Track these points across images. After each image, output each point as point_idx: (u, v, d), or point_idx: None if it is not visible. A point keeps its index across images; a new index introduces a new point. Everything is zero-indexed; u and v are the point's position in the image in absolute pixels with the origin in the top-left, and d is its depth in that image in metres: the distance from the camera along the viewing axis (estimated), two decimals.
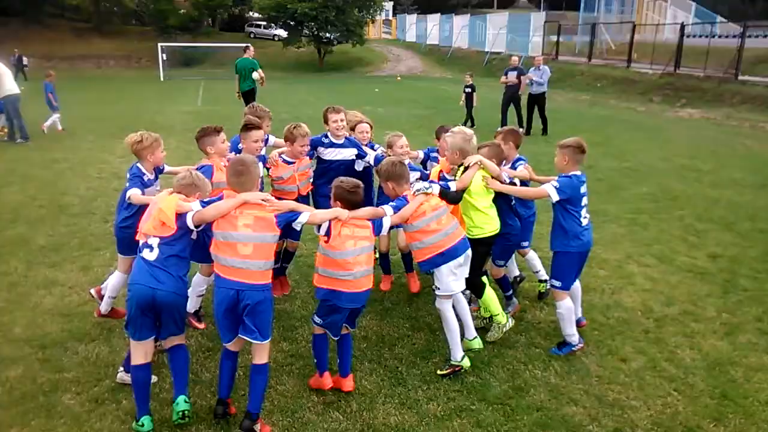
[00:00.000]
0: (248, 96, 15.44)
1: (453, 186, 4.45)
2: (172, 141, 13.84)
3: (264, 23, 49.14)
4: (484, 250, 4.72)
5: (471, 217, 4.63)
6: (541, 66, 15.72)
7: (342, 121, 5.58)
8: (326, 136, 5.62)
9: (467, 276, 4.39)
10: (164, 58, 34.96)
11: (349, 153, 5.64)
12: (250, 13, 53.17)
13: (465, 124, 16.12)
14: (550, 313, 5.23)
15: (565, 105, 22.56)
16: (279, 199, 4.01)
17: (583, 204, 4.55)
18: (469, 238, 4.41)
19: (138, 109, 19.91)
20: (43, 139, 13.96)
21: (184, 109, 20.49)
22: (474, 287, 4.77)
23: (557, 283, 4.58)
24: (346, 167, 5.54)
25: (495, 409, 3.98)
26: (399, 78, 36.03)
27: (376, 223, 3.97)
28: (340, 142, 5.62)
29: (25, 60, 36.58)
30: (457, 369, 4.30)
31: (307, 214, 3.78)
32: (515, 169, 5.08)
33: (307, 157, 5.53)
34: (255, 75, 15.17)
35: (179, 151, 12.55)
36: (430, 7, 57.28)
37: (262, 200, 3.63)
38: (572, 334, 4.63)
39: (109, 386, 4.19)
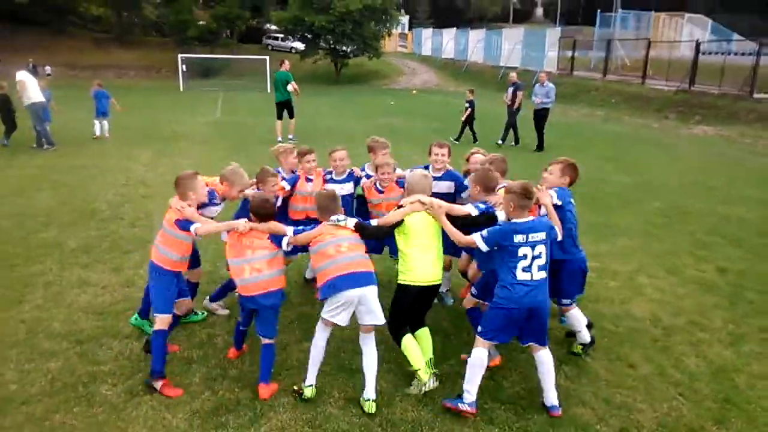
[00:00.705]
0: (283, 106, 16.14)
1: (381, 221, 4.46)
2: (194, 151, 14.24)
3: (281, 35, 49.85)
4: (409, 299, 4.41)
5: (399, 259, 4.50)
6: (546, 83, 15.85)
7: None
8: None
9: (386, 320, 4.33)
10: (184, 69, 35.61)
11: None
12: (268, 26, 53.98)
13: (458, 139, 16.32)
14: (558, 321, 5.43)
15: (579, 120, 22.75)
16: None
17: (520, 255, 4.02)
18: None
19: (159, 119, 20.38)
20: (71, 147, 14.40)
21: (204, 119, 20.94)
22: (392, 334, 4.53)
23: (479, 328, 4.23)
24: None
25: (507, 408, 4.20)
26: (414, 92, 36.39)
27: (277, 239, 4.30)
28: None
29: (48, 69, 37.51)
30: (299, 393, 4.26)
31: (206, 227, 4.45)
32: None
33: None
34: (289, 87, 15.90)
35: (200, 161, 12.92)
36: (445, 21, 57.84)
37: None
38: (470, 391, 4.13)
39: (143, 379, 4.46)
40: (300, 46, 44.13)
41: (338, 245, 4.21)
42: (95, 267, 6.71)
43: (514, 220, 4.10)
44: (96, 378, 4.48)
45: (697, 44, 25.29)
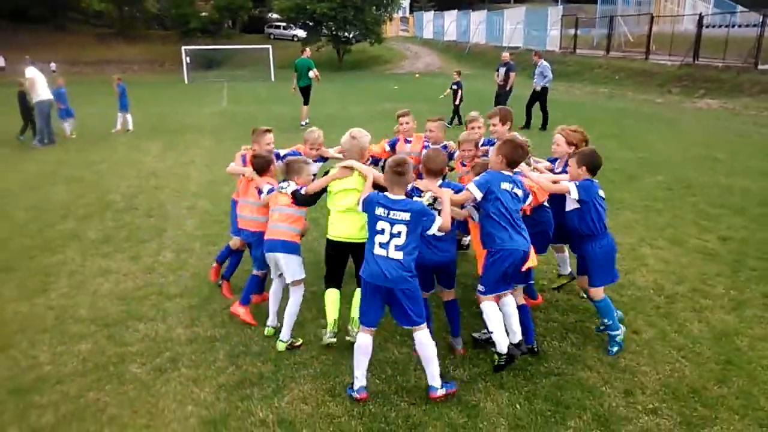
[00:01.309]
0: (305, 92, 16.98)
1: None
2: (202, 141, 14.45)
3: (283, 24, 49.85)
4: (338, 254, 4.82)
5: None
6: (541, 63, 15.96)
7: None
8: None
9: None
10: (188, 61, 35.76)
11: None
12: (270, 15, 53.93)
13: (451, 123, 16.39)
14: (565, 292, 5.61)
15: (583, 98, 22.75)
16: None
17: (378, 229, 4.07)
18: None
19: (166, 111, 20.60)
20: (82, 142, 14.66)
21: (210, 110, 21.13)
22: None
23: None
24: None
25: (516, 374, 4.40)
26: (417, 75, 36.38)
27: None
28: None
29: (53, 65, 37.74)
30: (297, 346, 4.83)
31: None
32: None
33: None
34: (311, 73, 16.68)
35: (210, 151, 13.13)
36: (447, 4, 57.48)
37: None
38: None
39: (170, 357, 4.70)
40: (302, 34, 44.16)
41: (273, 213, 4.91)
42: (115, 256, 6.95)
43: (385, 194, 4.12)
44: (125, 358, 4.72)
45: (700, 17, 25.16)
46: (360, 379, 4.14)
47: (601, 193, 4.68)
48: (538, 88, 15.85)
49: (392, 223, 3.98)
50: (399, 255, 3.97)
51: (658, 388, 4.24)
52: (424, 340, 4.07)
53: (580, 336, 4.95)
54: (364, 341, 4.11)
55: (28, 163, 12.20)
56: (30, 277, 6.38)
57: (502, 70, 16.27)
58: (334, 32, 41.52)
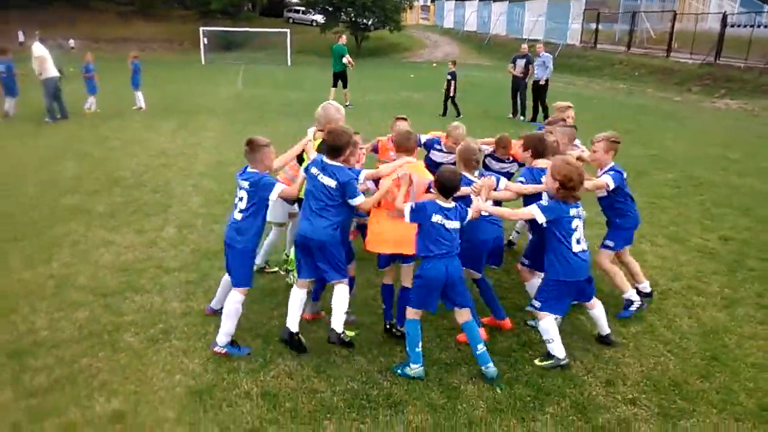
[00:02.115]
0: (338, 77, 17.83)
1: None
2: (213, 123, 14.56)
3: (302, 8, 49.78)
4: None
5: None
6: (543, 54, 15.85)
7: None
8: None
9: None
10: (205, 42, 35.87)
11: None
12: None
13: (445, 113, 16.33)
14: None
15: (602, 94, 22.54)
16: None
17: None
18: None
19: (181, 91, 20.74)
20: (96, 118, 14.84)
21: (226, 92, 21.23)
22: None
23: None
24: None
25: (500, 359, 4.45)
26: (435, 64, 36.20)
27: None
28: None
29: (72, 42, 38.06)
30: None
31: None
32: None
33: None
34: (344, 60, 17.44)
35: (221, 133, 13.24)
36: None
37: None
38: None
39: (164, 329, 4.82)
40: (321, 19, 44.06)
41: None
42: (119, 229, 7.08)
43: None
44: (120, 327, 4.84)
45: (724, 16, 24.77)
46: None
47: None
48: (542, 81, 15.72)
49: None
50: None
51: (639, 380, 4.27)
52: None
53: (569, 327, 4.97)
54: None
55: (41, 139, 12.39)
56: (35, 247, 6.52)
57: (521, 62, 16.17)
58: (353, 18, 41.38)
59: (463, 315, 4.28)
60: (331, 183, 4.29)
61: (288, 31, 38.07)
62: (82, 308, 5.13)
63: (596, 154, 5.21)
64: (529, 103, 16.26)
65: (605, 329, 4.70)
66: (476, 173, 4.74)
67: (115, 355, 4.45)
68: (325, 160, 4.38)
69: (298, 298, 4.45)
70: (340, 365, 4.39)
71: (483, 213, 4.42)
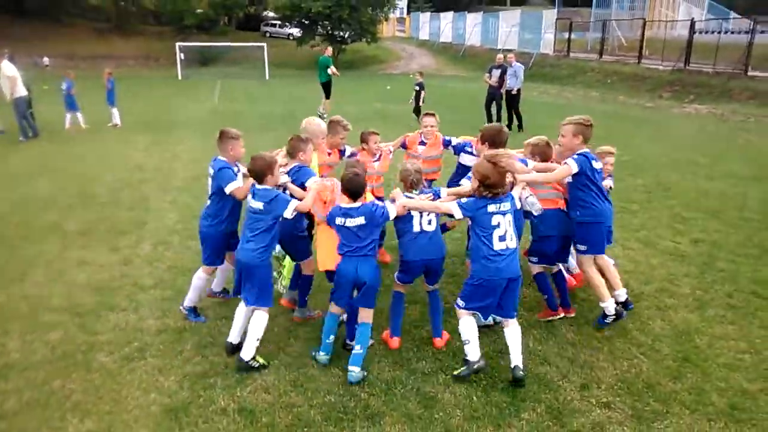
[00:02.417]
0: (325, 86, 18.93)
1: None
2: (189, 138, 14.49)
3: (279, 22, 49.83)
4: None
5: None
6: (514, 63, 16.06)
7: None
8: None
9: None
10: (182, 57, 35.71)
11: None
12: (266, 12, 53.92)
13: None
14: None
15: (575, 101, 22.86)
16: None
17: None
18: None
19: (157, 107, 20.61)
20: (71, 136, 14.67)
21: (202, 107, 21.14)
22: None
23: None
24: None
25: None
26: (412, 75, 36.43)
27: None
28: None
29: (46, 60, 37.67)
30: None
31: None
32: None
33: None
34: (329, 70, 18.61)
35: (197, 147, 13.18)
36: (444, 5, 57.57)
37: None
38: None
39: (139, 347, 4.78)
40: (297, 32, 44.14)
41: None
42: (94, 247, 7.01)
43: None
44: (94, 347, 4.79)
45: (692, 23, 25.33)
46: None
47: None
48: (515, 91, 15.92)
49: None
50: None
51: (613, 383, 4.34)
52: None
53: (543, 332, 5.04)
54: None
55: (15, 157, 12.22)
56: (8, 266, 6.43)
57: (496, 72, 16.34)
58: (329, 31, 41.52)
59: (362, 315, 4.49)
60: (259, 205, 4.45)
61: (265, 44, 38.07)
62: (55, 329, 5.06)
63: (564, 139, 4.96)
64: (505, 114, 16.44)
65: (515, 358, 4.29)
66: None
67: (88, 376, 4.40)
68: (256, 185, 4.54)
69: (241, 313, 4.68)
70: (317, 378, 4.39)
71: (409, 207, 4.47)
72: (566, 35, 32.82)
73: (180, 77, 34.52)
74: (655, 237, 7.43)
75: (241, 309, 4.66)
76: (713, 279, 6.20)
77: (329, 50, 20.10)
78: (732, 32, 27.25)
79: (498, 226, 4.21)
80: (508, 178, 4.35)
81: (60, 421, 3.87)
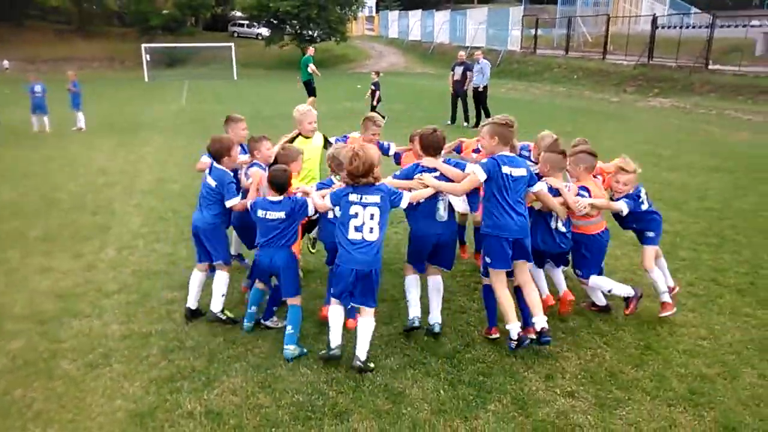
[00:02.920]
0: (307, 85, 19.86)
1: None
2: (156, 140, 14.31)
3: (247, 22, 49.45)
4: None
5: None
6: (481, 60, 16.27)
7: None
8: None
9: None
10: (148, 59, 35.22)
11: None
12: (233, 13, 53.45)
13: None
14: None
15: (542, 97, 23.19)
16: None
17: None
18: None
19: (123, 110, 20.30)
20: (34, 140, 14.37)
21: (169, 108, 20.88)
22: None
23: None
24: None
25: (444, 361, 4.53)
26: (382, 74, 36.47)
27: None
28: None
29: (6, 63, 36.79)
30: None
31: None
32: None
33: None
34: (309, 69, 19.57)
35: (164, 149, 13.02)
36: (412, 4, 57.77)
37: None
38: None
39: (103, 353, 4.69)
40: (266, 32, 43.87)
41: None
42: (57, 254, 6.87)
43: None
44: (56, 354, 4.69)
45: (654, 18, 25.89)
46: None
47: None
48: (481, 87, 16.10)
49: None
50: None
51: (577, 372, 4.42)
52: None
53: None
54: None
55: None
56: None
57: (459, 69, 16.50)
58: (298, 31, 41.37)
59: (290, 301, 4.72)
60: (212, 183, 4.97)
61: (232, 45, 37.78)
62: (16, 337, 4.94)
63: (482, 141, 4.68)
64: (472, 110, 16.59)
65: (359, 350, 4.35)
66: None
67: (51, 383, 4.31)
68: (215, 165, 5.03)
69: (196, 279, 5.24)
70: (285, 378, 4.37)
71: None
72: (533, 32, 33.24)
73: (146, 79, 34.05)
74: (619, 229, 7.53)
75: (196, 276, 5.21)
76: (675, 268, 6.33)
77: (311, 50, 21.05)
78: (693, 27, 28.01)
79: (355, 216, 4.29)
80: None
81: (21, 430, 3.79)
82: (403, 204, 4.48)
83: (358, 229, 4.28)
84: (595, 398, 4.12)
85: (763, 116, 17.03)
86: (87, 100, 16.27)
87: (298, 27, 41.04)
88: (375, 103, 17.10)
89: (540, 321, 4.53)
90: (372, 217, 4.29)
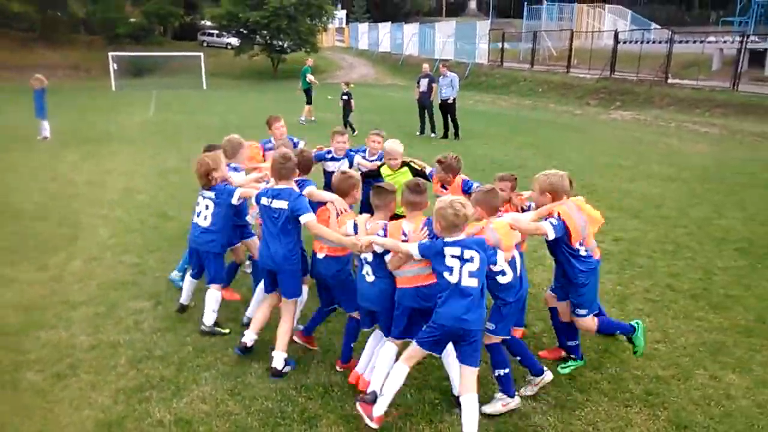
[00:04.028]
0: (307, 93, 20.58)
1: None
2: (123, 150, 14.16)
3: (216, 32, 49.17)
4: None
5: None
6: (448, 73, 16.55)
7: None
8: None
9: None
10: (115, 68, 34.72)
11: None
12: (203, 22, 53.11)
13: (354, 130, 16.93)
14: None
15: (508, 110, 23.64)
16: None
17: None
18: None
19: (89, 119, 19.99)
20: None
21: (137, 118, 20.65)
22: None
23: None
24: None
25: (412, 367, 4.63)
26: (352, 85, 36.65)
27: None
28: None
29: None
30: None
31: None
32: None
33: None
34: (308, 78, 20.51)
35: (131, 160, 12.91)
36: (383, 16, 58.32)
37: None
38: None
39: (70, 364, 4.69)
40: (236, 42, 43.70)
41: None
42: (21, 265, 6.78)
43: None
44: (22, 366, 4.66)
45: (616, 34, 26.68)
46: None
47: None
48: (451, 100, 16.36)
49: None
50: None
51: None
52: None
53: None
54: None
55: None
56: None
57: (424, 81, 16.77)
58: (268, 41, 41.30)
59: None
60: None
61: (201, 54, 37.51)
62: None
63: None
64: (440, 122, 16.83)
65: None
66: None
67: (16, 395, 4.29)
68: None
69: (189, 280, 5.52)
70: (255, 386, 4.43)
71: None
72: (500, 45, 33.88)
73: (113, 88, 33.56)
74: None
75: (188, 278, 5.49)
76: (632, 275, 6.61)
77: (310, 60, 22.84)
78: (653, 42, 28.96)
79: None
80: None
81: None
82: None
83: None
84: (555, 400, 4.29)
85: (719, 129, 17.70)
86: (52, 110, 15.98)
87: (268, 37, 40.94)
88: (351, 110, 17.34)
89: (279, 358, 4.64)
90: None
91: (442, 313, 3.74)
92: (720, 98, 20.95)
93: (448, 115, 16.50)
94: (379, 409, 3.84)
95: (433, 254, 3.80)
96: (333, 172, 6.22)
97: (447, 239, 3.77)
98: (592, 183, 10.72)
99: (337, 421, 4.02)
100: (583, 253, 4.42)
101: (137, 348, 4.96)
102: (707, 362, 4.84)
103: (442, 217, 3.75)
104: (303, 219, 4.41)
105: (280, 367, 4.51)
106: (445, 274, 3.75)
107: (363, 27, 53.36)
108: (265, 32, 40.30)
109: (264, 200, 4.58)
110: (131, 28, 45.68)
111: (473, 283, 3.71)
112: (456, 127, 16.32)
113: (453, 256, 3.73)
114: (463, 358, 3.83)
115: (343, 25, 62.23)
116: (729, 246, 7.51)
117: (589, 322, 4.60)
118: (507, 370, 4.17)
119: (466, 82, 26.05)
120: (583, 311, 4.55)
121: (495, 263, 3.92)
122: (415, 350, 3.91)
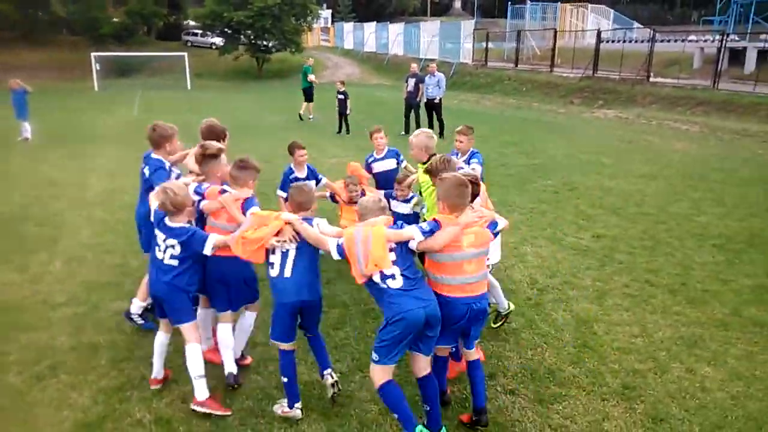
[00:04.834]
0: (306, 91, 20.73)
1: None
2: (106, 151, 14.07)
3: (201, 32, 48.87)
4: None
5: None
6: (436, 73, 16.64)
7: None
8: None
9: None
10: (98, 68, 34.42)
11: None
12: (187, 22, 52.78)
13: (339, 131, 17.20)
14: None
15: (493, 109, 23.74)
16: None
17: None
18: None
19: (72, 120, 19.82)
20: None
21: (120, 119, 20.51)
22: None
23: None
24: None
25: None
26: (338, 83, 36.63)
27: None
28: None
29: None
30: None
31: None
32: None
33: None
34: (309, 77, 20.53)
35: (114, 161, 12.83)
36: (368, 15, 58.31)
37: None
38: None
39: (50, 365, 4.67)
40: (220, 42, 43.46)
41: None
42: (1, 266, 6.73)
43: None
44: (1, 367, 4.64)
45: (599, 33, 26.88)
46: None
47: None
48: (437, 100, 16.45)
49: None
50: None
51: (518, 371, 4.64)
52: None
53: None
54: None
55: None
56: None
57: (411, 81, 16.82)
58: (252, 41, 41.11)
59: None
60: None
61: (185, 54, 37.29)
62: None
63: None
64: (425, 121, 16.88)
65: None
66: None
67: None
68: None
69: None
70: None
71: None
72: (484, 45, 34.00)
73: (96, 89, 33.29)
74: (561, 234, 7.92)
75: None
76: (612, 270, 6.70)
77: (311, 60, 23.22)
78: (635, 41, 29.22)
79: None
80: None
81: None
82: None
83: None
84: (534, 394, 4.34)
85: (699, 126, 17.91)
86: (34, 111, 15.83)
87: (252, 37, 40.76)
88: (347, 111, 17.33)
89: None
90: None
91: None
92: (701, 96, 21.19)
93: (434, 114, 16.59)
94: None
95: None
96: (381, 173, 6.90)
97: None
98: (573, 181, 10.82)
99: (317, 419, 4.05)
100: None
101: (118, 348, 4.95)
102: (684, 356, 4.92)
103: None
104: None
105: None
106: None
107: (348, 26, 53.29)
108: (250, 32, 40.10)
109: None
110: (115, 28, 45.24)
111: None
112: (441, 126, 16.38)
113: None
114: None
115: (329, 25, 62.12)
116: (707, 242, 7.63)
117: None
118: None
119: (451, 81, 26.09)
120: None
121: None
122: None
